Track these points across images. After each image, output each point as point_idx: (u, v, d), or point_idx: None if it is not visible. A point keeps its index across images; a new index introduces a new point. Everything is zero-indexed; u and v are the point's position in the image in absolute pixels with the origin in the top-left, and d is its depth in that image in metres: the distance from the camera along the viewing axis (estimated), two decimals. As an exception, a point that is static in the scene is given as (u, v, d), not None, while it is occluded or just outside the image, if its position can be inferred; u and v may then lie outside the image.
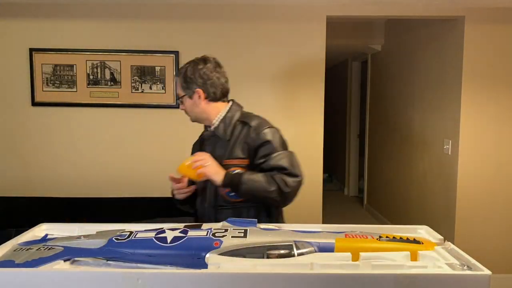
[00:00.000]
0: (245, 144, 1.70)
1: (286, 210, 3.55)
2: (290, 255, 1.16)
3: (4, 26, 3.14)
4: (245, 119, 1.75)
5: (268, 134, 1.71)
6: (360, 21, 4.57)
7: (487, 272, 1.05)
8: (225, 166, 1.67)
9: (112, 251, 1.21)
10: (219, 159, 1.69)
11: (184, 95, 1.76)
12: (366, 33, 4.76)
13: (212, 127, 1.77)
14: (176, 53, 3.16)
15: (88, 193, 3.18)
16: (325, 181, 4.51)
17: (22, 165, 3.25)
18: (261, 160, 1.68)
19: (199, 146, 1.87)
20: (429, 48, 3.70)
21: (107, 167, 3.26)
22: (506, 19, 3.11)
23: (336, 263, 1.11)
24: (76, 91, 3.18)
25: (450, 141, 3.31)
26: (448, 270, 1.09)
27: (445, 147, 3.39)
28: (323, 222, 3.13)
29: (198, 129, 3.22)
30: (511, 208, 3.26)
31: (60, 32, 3.16)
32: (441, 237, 1.33)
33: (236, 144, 1.71)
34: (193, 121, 1.82)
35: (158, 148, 3.26)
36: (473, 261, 1.12)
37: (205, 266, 1.13)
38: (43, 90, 3.17)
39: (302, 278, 1.04)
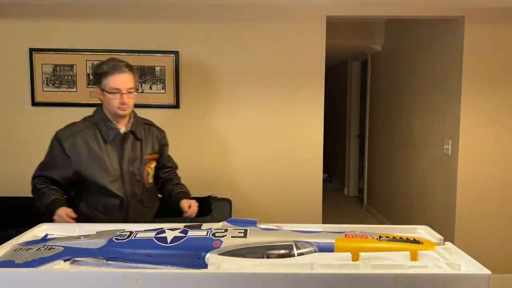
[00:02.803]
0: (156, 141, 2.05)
1: (286, 210, 3.55)
2: (290, 255, 1.16)
3: (4, 26, 3.14)
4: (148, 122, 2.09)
5: None
6: (360, 21, 4.57)
7: (487, 272, 1.05)
8: (145, 161, 1.98)
9: (112, 251, 1.21)
10: (139, 155, 1.96)
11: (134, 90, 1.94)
12: (366, 33, 4.76)
13: (129, 128, 1.95)
14: (176, 53, 3.15)
15: (88, 193, 3.17)
16: (325, 181, 4.51)
17: (22, 165, 3.24)
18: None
19: (101, 142, 1.93)
20: (429, 48, 3.70)
21: (107, 167, 3.26)
22: (506, 19, 3.11)
23: (336, 263, 1.11)
24: (76, 91, 3.18)
25: (450, 141, 3.31)
26: (448, 270, 1.09)
27: (445, 147, 3.39)
28: (323, 222, 3.13)
29: (198, 130, 3.23)
30: (511, 208, 3.26)
31: (60, 32, 3.15)
32: (441, 237, 1.33)
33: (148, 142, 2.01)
34: (125, 116, 1.93)
35: (158, 148, 3.26)
36: (473, 261, 1.12)
37: (205, 266, 1.13)
38: (43, 90, 3.16)
39: (302, 278, 1.04)
